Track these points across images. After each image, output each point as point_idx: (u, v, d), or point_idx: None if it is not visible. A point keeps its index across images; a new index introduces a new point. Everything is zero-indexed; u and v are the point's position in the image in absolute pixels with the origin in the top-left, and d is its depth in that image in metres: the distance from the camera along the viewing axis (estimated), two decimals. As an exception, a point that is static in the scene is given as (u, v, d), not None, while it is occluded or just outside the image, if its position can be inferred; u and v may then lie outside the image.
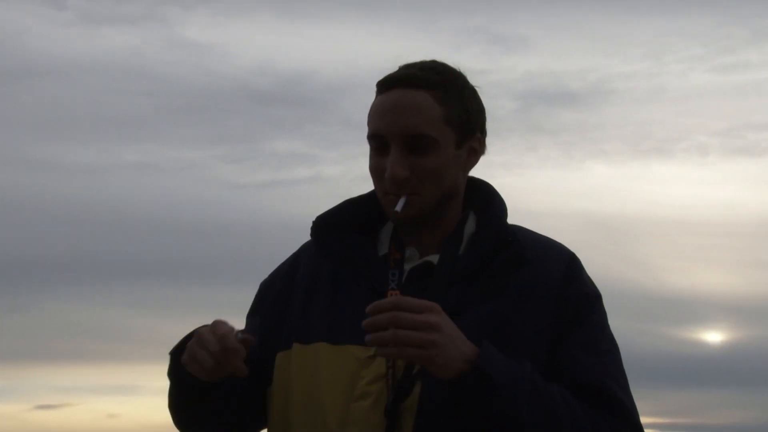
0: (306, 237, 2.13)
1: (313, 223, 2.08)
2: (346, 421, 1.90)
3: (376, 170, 1.97)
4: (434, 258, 1.98)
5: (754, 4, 9.67)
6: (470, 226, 2.02)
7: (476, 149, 2.02)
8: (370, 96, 2.02)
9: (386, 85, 1.97)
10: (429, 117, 1.93)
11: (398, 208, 1.92)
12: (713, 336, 10.42)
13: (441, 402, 1.82)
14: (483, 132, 2.04)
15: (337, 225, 2.06)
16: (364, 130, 2.01)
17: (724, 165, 10.18)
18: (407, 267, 1.98)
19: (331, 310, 1.99)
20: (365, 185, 2.07)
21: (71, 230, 9.83)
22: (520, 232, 2.03)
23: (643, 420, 1.96)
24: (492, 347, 1.81)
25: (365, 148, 2.02)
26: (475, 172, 2.10)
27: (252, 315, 2.15)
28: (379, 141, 1.95)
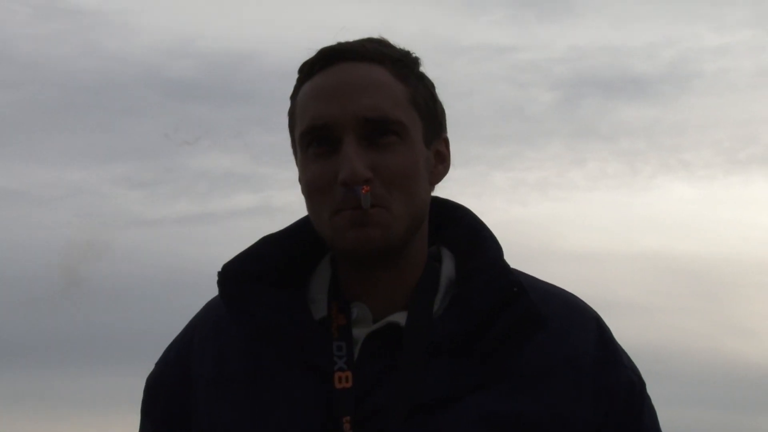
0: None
1: (219, 273, 1.61)
2: None
3: (320, 179, 1.53)
4: (399, 317, 1.54)
5: None
6: (448, 268, 1.59)
7: (444, 155, 1.63)
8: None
9: (322, 60, 1.56)
10: (393, 95, 1.54)
11: (364, 204, 1.49)
12: None
13: None
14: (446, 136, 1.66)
15: (253, 275, 1.60)
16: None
17: None
18: (360, 333, 1.54)
19: (250, 405, 1.55)
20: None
21: None
22: (524, 280, 1.59)
23: None
24: None
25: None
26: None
27: (145, 419, 1.73)
28: (324, 135, 1.53)
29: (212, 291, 1.63)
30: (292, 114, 1.60)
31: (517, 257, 1.64)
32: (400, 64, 1.58)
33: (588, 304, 1.65)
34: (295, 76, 1.60)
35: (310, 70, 1.57)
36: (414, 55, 1.62)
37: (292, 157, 1.62)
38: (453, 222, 1.65)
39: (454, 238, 1.63)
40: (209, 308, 1.68)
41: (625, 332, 1.67)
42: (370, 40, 1.60)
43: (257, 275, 1.59)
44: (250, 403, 1.55)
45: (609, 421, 1.56)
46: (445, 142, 1.64)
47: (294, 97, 1.60)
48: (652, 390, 1.67)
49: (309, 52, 1.58)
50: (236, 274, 1.60)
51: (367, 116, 1.52)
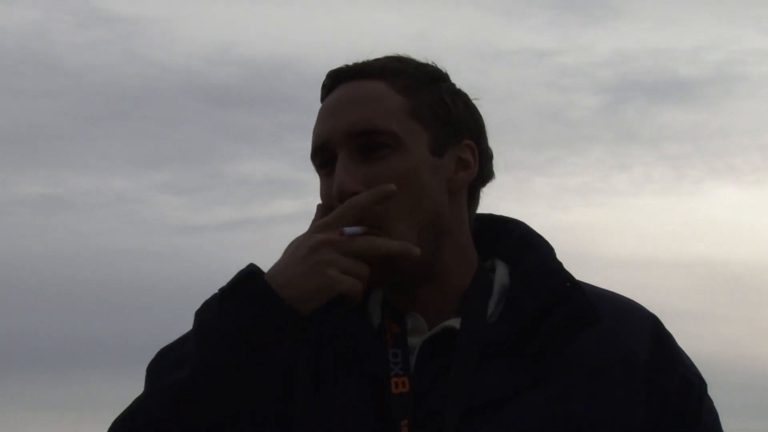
0: None
1: None
2: None
3: (325, 199, 1.58)
4: (455, 322, 1.56)
5: None
6: (502, 276, 1.62)
7: (468, 161, 1.61)
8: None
9: (329, 83, 1.62)
10: (385, 108, 1.56)
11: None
12: None
13: None
14: (481, 143, 1.64)
15: None
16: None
17: None
18: (415, 341, 1.56)
19: (313, 411, 1.54)
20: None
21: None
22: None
23: None
24: None
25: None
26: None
27: None
28: (326, 156, 1.57)
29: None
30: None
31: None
32: (402, 76, 1.59)
33: (644, 307, 1.63)
34: None
35: (322, 94, 1.62)
36: (433, 65, 1.64)
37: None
38: (505, 234, 1.66)
39: (505, 248, 1.65)
40: None
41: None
42: (386, 57, 1.62)
43: None
44: (312, 409, 1.55)
45: (664, 421, 1.54)
46: (470, 148, 1.62)
47: None
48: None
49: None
50: None
51: (354, 129, 1.54)
